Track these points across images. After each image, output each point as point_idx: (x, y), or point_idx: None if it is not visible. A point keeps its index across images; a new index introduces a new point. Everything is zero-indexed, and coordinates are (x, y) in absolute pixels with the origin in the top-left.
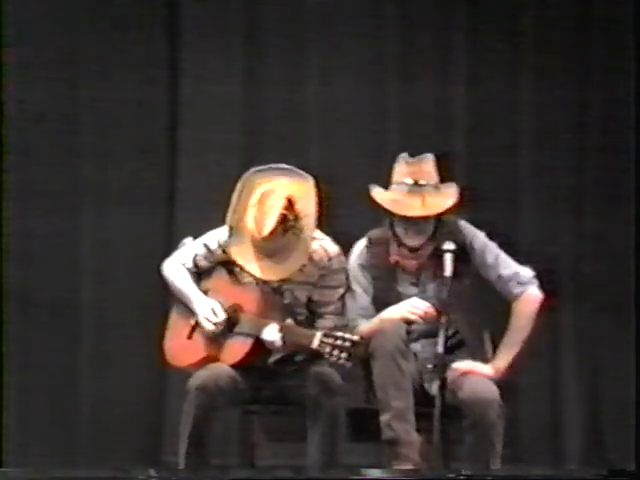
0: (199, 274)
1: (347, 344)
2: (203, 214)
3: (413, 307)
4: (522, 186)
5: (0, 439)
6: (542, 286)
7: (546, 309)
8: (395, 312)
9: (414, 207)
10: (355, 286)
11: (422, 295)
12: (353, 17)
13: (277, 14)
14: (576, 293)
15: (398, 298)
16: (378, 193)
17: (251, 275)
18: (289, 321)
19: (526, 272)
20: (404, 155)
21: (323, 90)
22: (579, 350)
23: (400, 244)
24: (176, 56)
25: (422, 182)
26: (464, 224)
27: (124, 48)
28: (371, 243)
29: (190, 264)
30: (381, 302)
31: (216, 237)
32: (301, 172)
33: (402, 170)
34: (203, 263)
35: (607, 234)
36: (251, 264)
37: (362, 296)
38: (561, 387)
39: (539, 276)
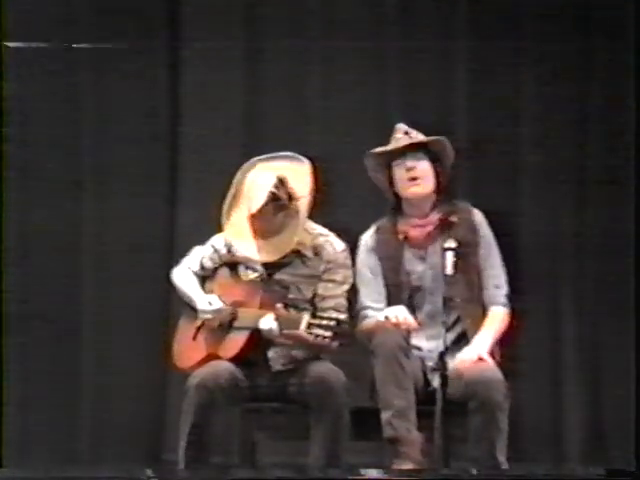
0: (205, 277)
1: (332, 323)
2: (205, 217)
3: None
4: (523, 180)
5: (0, 440)
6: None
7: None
8: (397, 310)
9: (403, 141)
10: (365, 270)
11: (430, 271)
12: (354, 6)
13: (279, 8)
14: (577, 292)
15: (407, 276)
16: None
17: (246, 258)
18: (280, 307)
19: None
20: None
21: (324, 84)
22: (580, 350)
23: (407, 214)
24: (176, 44)
25: (412, 134)
26: (477, 212)
27: (124, 39)
28: (379, 229)
29: (197, 267)
30: (390, 281)
31: (223, 237)
32: (299, 156)
33: (395, 133)
34: (209, 264)
35: (608, 233)
36: (245, 246)
37: (372, 280)
38: (562, 387)
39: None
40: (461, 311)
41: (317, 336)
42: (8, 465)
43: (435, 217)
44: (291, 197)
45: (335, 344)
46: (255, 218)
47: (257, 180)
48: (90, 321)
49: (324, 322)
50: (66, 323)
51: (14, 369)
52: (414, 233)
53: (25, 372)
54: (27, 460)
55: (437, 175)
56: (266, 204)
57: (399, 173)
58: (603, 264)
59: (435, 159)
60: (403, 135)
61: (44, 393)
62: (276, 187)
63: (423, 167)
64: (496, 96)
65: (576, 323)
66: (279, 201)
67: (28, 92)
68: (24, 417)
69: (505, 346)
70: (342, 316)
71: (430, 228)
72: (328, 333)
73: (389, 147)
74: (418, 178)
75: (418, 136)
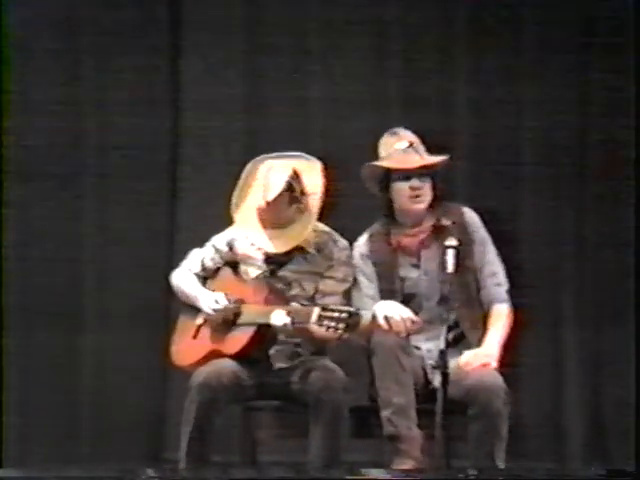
0: (206, 277)
1: (344, 315)
2: (205, 214)
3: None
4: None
5: (0, 440)
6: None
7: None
8: (396, 309)
9: (414, 160)
10: (359, 276)
11: (424, 277)
12: (355, 9)
13: (279, 5)
14: (577, 292)
15: (401, 282)
16: (375, 162)
17: (246, 256)
18: (293, 304)
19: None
20: (387, 132)
21: (325, 84)
22: (580, 350)
23: (400, 222)
24: (177, 42)
25: (417, 145)
26: (468, 211)
27: (124, 37)
28: (372, 235)
29: (197, 268)
30: (384, 288)
31: (224, 237)
32: (310, 157)
33: (391, 140)
34: (210, 264)
35: (608, 234)
36: (257, 236)
37: (367, 285)
38: (562, 387)
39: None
40: (458, 313)
41: (329, 328)
42: (8, 465)
43: (427, 224)
44: (303, 192)
45: (345, 336)
46: (268, 208)
47: (273, 169)
48: (91, 320)
49: (335, 314)
50: (67, 322)
51: (14, 369)
52: (407, 241)
53: (25, 372)
54: (27, 460)
55: (434, 189)
56: (282, 193)
57: (401, 188)
58: (603, 264)
59: (434, 174)
60: (408, 147)
61: (44, 393)
62: (292, 178)
63: (426, 185)
64: (496, 94)
65: (576, 323)
66: (294, 192)
67: (29, 91)
68: (24, 417)
69: (511, 345)
70: (352, 308)
71: (422, 236)
72: (341, 325)
73: (396, 164)
74: (421, 196)
75: (427, 155)
